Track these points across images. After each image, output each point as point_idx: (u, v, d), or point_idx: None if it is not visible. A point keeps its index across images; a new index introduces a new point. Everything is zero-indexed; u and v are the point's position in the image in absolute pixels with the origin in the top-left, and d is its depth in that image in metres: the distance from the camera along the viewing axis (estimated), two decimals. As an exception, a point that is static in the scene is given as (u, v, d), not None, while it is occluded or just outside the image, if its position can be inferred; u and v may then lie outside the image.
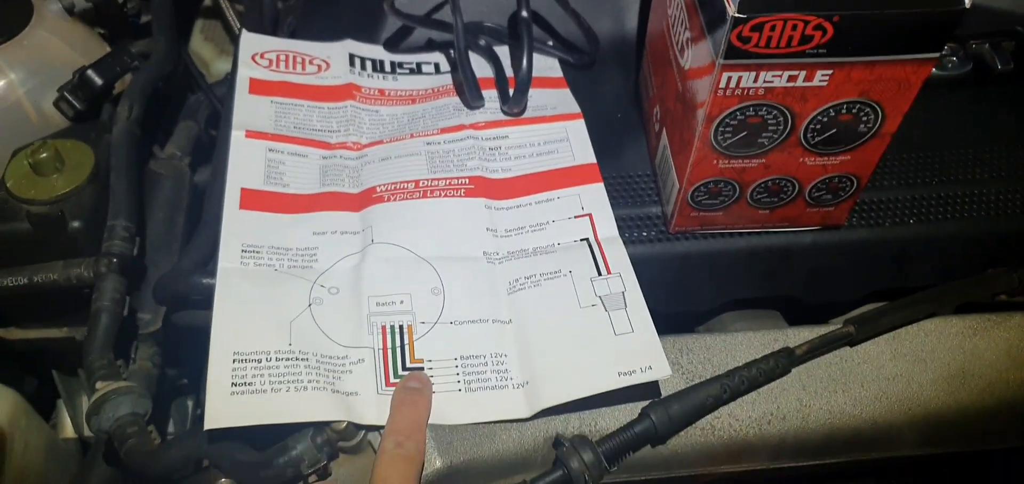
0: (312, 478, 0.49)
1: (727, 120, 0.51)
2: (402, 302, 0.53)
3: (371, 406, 0.48)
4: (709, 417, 0.53)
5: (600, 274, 0.56)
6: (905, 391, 0.55)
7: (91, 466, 0.58)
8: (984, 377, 0.55)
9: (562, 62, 0.75)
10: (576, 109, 0.70)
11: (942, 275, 0.61)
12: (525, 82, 0.68)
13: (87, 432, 0.60)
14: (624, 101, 0.73)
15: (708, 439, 0.53)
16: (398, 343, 0.51)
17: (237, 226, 0.58)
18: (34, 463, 0.64)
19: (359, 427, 0.48)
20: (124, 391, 0.52)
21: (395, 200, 0.61)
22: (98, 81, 0.69)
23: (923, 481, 0.60)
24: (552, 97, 0.72)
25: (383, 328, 0.52)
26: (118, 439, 0.49)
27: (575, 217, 0.61)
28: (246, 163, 0.62)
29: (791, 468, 0.55)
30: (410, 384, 0.49)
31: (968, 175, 0.65)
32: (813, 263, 0.62)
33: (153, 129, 0.73)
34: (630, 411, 0.52)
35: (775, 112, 0.50)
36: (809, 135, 0.52)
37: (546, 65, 0.74)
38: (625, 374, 0.49)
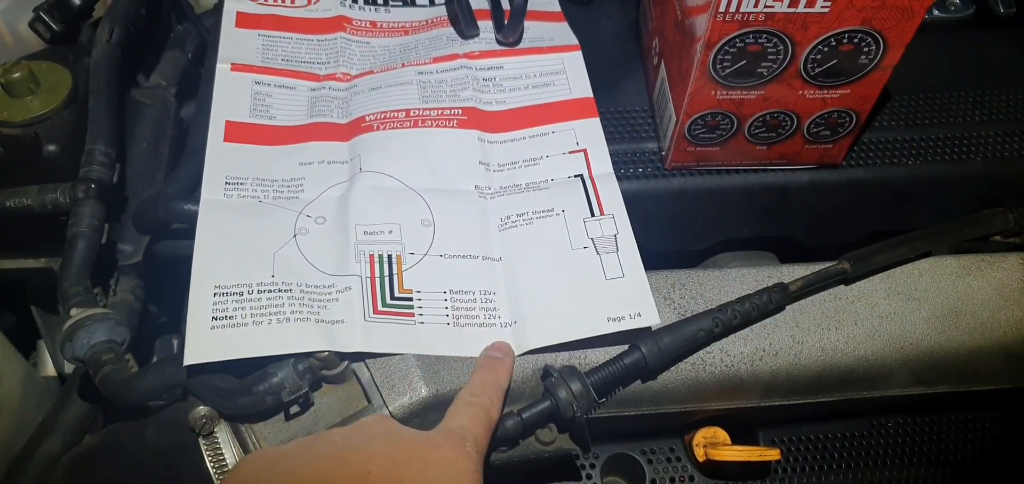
0: (294, 408, 0.48)
1: (726, 47, 0.49)
2: (391, 232, 0.52)
3: (358, 334, 0.47)
4: (700, 353, 0.52)
5: (593, 214, 0.54)
6: (898, 329, 0.54)
7: (65, 401, 0.57)
8: (976, 317, 0.55)
9: (559, -6, 0.73)
10: (573, 41, 0.68)
11: (940, 216, 0.60)
12: (521, 9, 0.66)
13: (67, 369, 0.59)
14: (623, 36, 0.71)
15: (699, 375, 0.52)
16: (387, 272, 0.50)
17: (221, 158, 0.56)
18: (9, 397, 0.62)
19: (343, 356, 0.47)
20: (100, 318, 0.50)
21: (385, 129, 0.59)
22: (76, 1, 0.66)
23: (914, 420, 0.59)
24: (549, 29, 0.70)
25: (371, 257, 0.51)
26: (93, 366, 0.48)
27: (569, 152, 0.60)
28: (231, 96, 0.61)
29: (782, 406, 0.55)
30: (492, 352, 0.48)
31: (967, 117, 0.64)
32: (810, 202, 0.61)
33: (136, 57, 0.70)
34: (620, 344, 0.51)
35: (775, 40, 0.49)
36: (809, 66, 0.51)
37: (544, -2, 0.73)
38: (614, 320, 0.49)
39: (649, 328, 0.50)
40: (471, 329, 0.49)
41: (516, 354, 0.49)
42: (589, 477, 0.58)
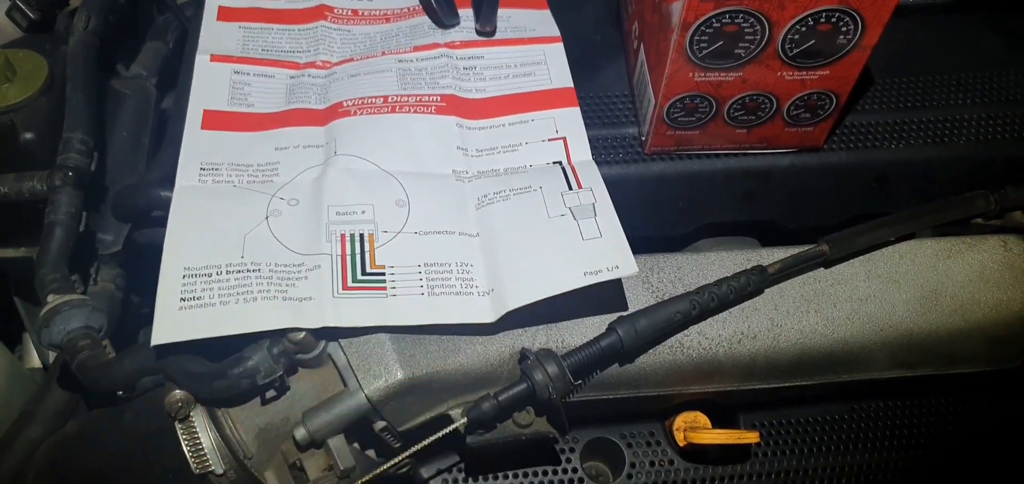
0: (270, 392, 0.48)
1: (703, 28, 0.49)
2: (363, 212, 0.52)
3: (327, 309, 0.47)
4: (678, 336, 0.52)
5: (571, 189, 0.54)
6: (878, 312, 0.54)
7: (46, 389, 0.57)
8: (956, 298, 0.55)
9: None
10: (555, 32, 0.68)
11: (922, 200, 0.60)
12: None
13: (51, 361, 0.59)
14: (605, 22, 0.71)
15: (677, 357, 0.52)
16: (358, 249, 0.50)
17: (197, 145, 0.56)
18: (-7, 385, 0.62)
19: (319, 336, 0.47)
20: (77, 304, 0.50)
21: (362, 114, 0.59)
22: (52, -11, 0.66)
23: (893, 403, 0.59)
24: (531, 18, 0.69)
25: (342, 236, 0.50)
26: (69, 352, 0.48)
27: (549, 139, 0.59)
28: (210, 85, 0.61)
29: (761, 389, 0.55)
30: None
31: (950, 100, 0.63)
32: (791, 186, 0.61)
33: (115, 46, 0.70)
34: (598, 328, 0.51)
35: (752, 19, 0.49)
36: (787, 46, 0.50)
37: (526, -15, 0.72)
38: (591, 273, 0.48)
39: (626, 301, 0.50)
40: (446, 297, 0.49)
41: (494, 318, 0.48)
42: (569, 460, 0.58)
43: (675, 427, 0.57)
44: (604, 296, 0.52)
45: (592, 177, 0.55)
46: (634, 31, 0.62)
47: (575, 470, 0.57)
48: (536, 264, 0.49)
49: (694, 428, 0.55)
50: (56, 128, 0.58)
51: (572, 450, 0.58)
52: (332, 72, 0.64)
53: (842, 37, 0.50)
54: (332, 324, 0.46)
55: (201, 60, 0.62)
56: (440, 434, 0.48)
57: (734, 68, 0.52)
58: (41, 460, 0.53)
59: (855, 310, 0.54)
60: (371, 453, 0.52)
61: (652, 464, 0.57)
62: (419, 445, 0.48)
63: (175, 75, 0.72)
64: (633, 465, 0.57)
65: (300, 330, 0.46)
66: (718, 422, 0.56)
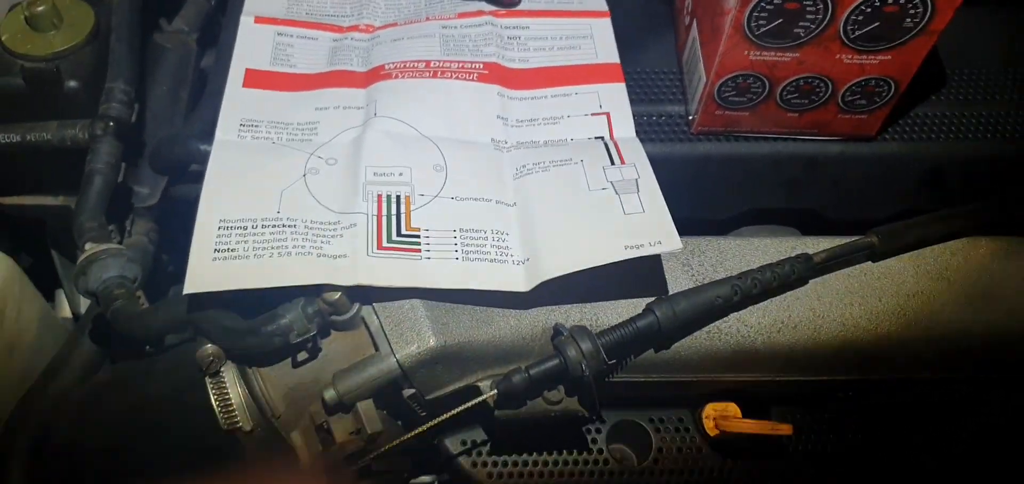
0: (302, 354, 0.48)
1: (763, 4, 0.47)
2: (401, 174, 0.51)
3: (360, 267, 0.46)
4: (716, 321, 0.51)
5: (613, 163, 0.53)
6: (925, 310, 0.52)
7: (78, 338, 0.57)
8: (1008, 301, 0.52)
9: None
10: (603, 7, 0.66)
11: (976, 198, 0.58)
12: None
13: (82, 310, 0.59)
14: (656, -2, 0.69)
15: (713, 343, 0.51)
16: (394, 210, 0.49)
17: (238, 102, 0.56)
18: (26, 332, 0.63)
19: (353, 298, 0.47)
20: (114, 253, 0.50)
21: (403, 78, 0.58)
22: (100, -61, 0.65)
23: (937, 406, 0.57)
24: (579, -10, 0.68)
25: (379, 196, 0.50)
26: (104, 300, 0.48)
27: (591, 114, 0.58)
28: (253, 46, 0.61)
29: (798, 382, 0.53)
30: None
31: (1012, 96, 0.61)
32: (840, 175, 0.59)
33: (160, 1, 0.70)
34: (635, 309, 0.50)
35: (814, -2, 0.47)
36: (849, 27, 0.48)
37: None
38: (632, 247, 0.47)
39: (666, 283, 0.49)
40: (481, 264, 0.48)
41: (528, 288, 0.47)
42: (594, 442, 0.57)
43: (705, 415, 0.55)
44: (642, 277, 0.50)
45: (636, 153, 0.54)
46: (686, 6, 0.60)
47: (601, 451, 0.56)
48: (574, 235, 0.48)
49: (725, 417, 0.54)
50: (100, 76, 0.58)
51: (598, 431, 0.57)
52: (375, 36, 0.63)
53: (909, 20, 0.48)
54: (365, 282, 0.46)
55: (245, 21, 0.63)
56: (468, 405, 0.47)
57: (791, 48, 0.50)
58: (72, 409, 0.53)
59: (901, 306, 0.52)
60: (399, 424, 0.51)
61: (680, 450, 0.56)
62: (447, 414, 0.47)
63: (217, 32, 0.72)
64: (660, 450, 0.56)
65: (335, 289, 0.46)
66: (749, 414, 0.55)
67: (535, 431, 0.51)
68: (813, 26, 0.48)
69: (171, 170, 0.57)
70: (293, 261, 0.46)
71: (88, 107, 0.57)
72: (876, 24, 0.48)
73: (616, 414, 0.58)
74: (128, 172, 0.58)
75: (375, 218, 0.49)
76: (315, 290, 0.46)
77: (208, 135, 0.55)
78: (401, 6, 0.67)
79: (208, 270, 0.45)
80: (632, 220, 0.49)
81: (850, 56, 0.50)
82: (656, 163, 0.54)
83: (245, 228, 0.47)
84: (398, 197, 0.50)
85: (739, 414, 0.55)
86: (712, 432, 0.55)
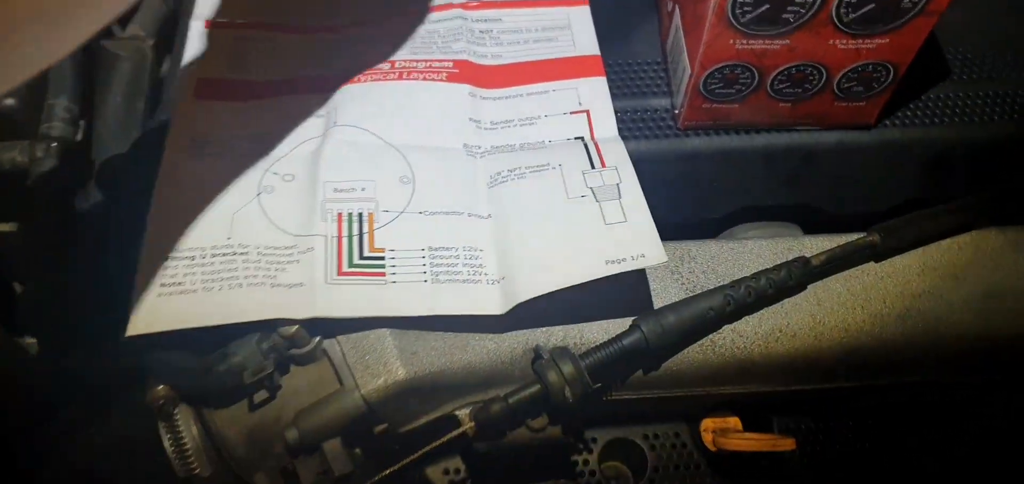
0: (261, 394, 0.44)
1: (747, -11, 0.43)
2: (363, 189, 0.47)
3: (319, 298, 0.43)
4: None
5: (594, 168, 0.49)
6: (933, 311, 0.48)
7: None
8: (1023, 298, 0.49)
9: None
10: None
11: (983, 185, 0.54)
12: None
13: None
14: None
15: (707, 356, 0.47)
16: (355, 231, 0.45)
17: (189, 116, 0.52)
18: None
19: (312, 332, 0.43)
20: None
21: (366, 81, 0.54)
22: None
23: (945, 410, 0.54)
24: (554, -23, 0.64)
25: (339, 215, 0.46)
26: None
27: (570, 112, 0.54)
28: (205, 52, 0.56)
29: (799, 391, 0.50)
30: None
31: (1016, 74, 0.57)
32: (838, 167, 0.55)
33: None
34: (621, 325, 0.46)
35: (804, -20, 0.43)
36: (843, 10, 0.44)
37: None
38: (614, 262, 0.43)
39: (652, 306, 0.45)
40: (452, 285, 0.44)
41: (504, 310, 0.44)
42: (586, 462, 0.53)
43: (703, 429, 0.52)
44: (628, 290, 0.47)
45: (618, 155, 0.50)
46: (667, -8, 0.56)
47: (594, 473, 0.53)
48: (553, 251, 0.45)
49: (724, 432, 0.50)
50: (40, 93, 0.54)
51: (590, 450, 0.54)
52: (339, 36, 0.59)
53: (907, 0, 0.44)
54: (323, 314, 0.42)
55: (194, 26, 0.58)
56: (445, 439, 0.44)
57: (781, 35, 0.46)
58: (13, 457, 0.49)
59: (908, 307, 0.49)
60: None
61: (677, 468, 0.53)
62: (423, 450, 0.44)
63: (174, 36, 0.68)
64: (656, 469, 0.53)
65: (291, 323, 0.42)
66: (751, 424, 0.51)
67: (519, 460, 0.47)
68: (803, 10, 0.44)
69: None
70: (244, 294, 0.42)
71: (28, 127, 0.53)
72: (872, 6, 0.44)
73: (609, 431, 0.54)
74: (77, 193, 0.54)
75: (335, 240, 0.45)
76: (270, 323, 0.42)
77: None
78: (367, 4, 0.62)
79: (154, 308, 0.41)
80: (613, 231, 0.45)
81: (844, 41, 0.46)
82: (642, 161, 0.51)
83: (193, 258, 0.43)
84: (360, 215, 0.46)
85: (739, 426, 0.51)
86: (711, 447, 0.51)
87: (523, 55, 0.58)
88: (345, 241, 0.45)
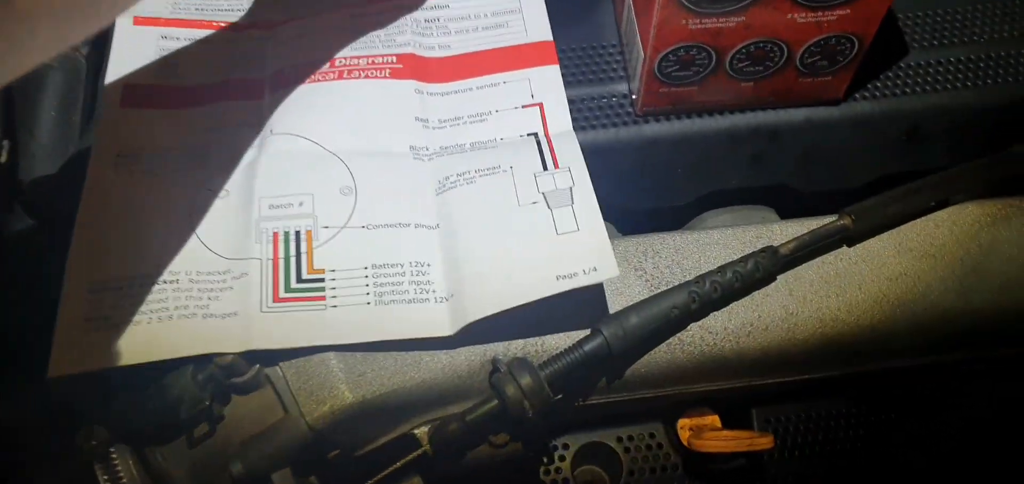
0: (202, 427, 0.41)
1: (697, -35, 0.40)
2: (301, 204, 0.44)
3: (253, 328, 0.40)
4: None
5: (546, 169, 0.46)
6: (910, 292, 0.46)
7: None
8: (1003, 273, 0.47)
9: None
10: None
11: (959, 156, 0.52)
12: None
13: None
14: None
15: (675, 355, 0.45)
16: (293, 251, 0.43)
17: (115, 127, 0.49)
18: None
19: (252, 359, 0.40)
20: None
21: (305, 83, 0.51)
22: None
23: (926, 393, 0.52)
24: (504, -42, 0.60)
25: (275, 234, 0.43)
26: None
27: (523, 106, 0.51)
28: (132, 54, 0.52)
29: (775, 384, 0.48)
30: None
31: (993, 33, 0.54)
32: (807, 145, 0.53)
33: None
34: (582, 330, 0.44)
35: (757, -48, 0.40)
36: (800, -18, 0.42)
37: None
38: (565, 277, 0.41)
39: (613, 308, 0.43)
40: (398, 306, 0.42)
41: (453, 331, 0.41)
42: (558, 470, 0.51)
43: (680, 427, 0.50)
44: (586, 296, 0.44)
45: (571, 153, 0.47)
46: (621, -30, 0.53)
47: (566, 481, 0.51)
48: (503, 266, 0.42)
49: (699, 432, 0.48)
50: (-42, 116, 0.50)
51: (561, 457, 0.51)
52: (274, 33, 0.55)
53: (868, -33, 0.41)
54: (259, 346, 0.39)
55: (122, 24, 0.54)
56: (402, 462, 0.42)
57: (735, 12, 0.43)
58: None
59: (884, 292, 0.46)
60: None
61: (652, 471, 0.50)
62: (380, 476, 0.42)
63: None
64: (631, 473, 0.50)
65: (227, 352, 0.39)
66: (729, 419, 0.49)
67: (483, 478, 0.45)
68: (760, -16, 0.42)
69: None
70: (175, 326, 0.39)
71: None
72: (832, -25, 0.41)
73: (582, 435, 0.52)
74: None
75: (271, 263, 0.42)
76: (204, 356, 0.39)
77: None
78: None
79: (78, 347, 0.39)
80: (565, 242, 0.42)
81: (803, 14, 0.44)
82: (601, 150, 0.48)
83: (120, 289, 0.41)
84: (297, 233, 0.43)
85: (718, 422, 0.49)
86: (689, 446, 0.49)
87: (472, 44, 0.55)
88: (281, 263, 0.42)
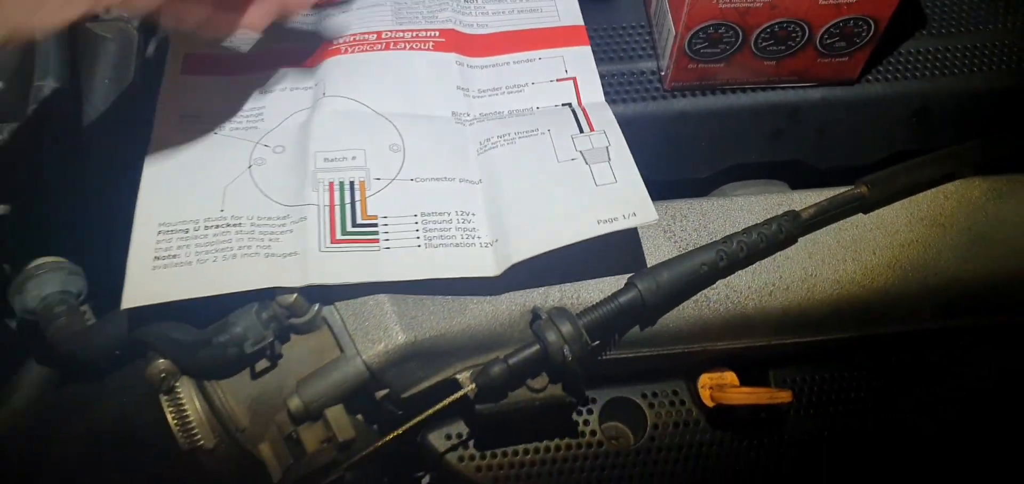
0: (262, 362, 0.44)
1: (730, -55, 0.44)
2: (354, 158, 0.47)
3: (312, 265, 0.43)
4: (703, 289, 0.48)
5: (582, 132, 0.49)
6: (921, 258, 0.50)
7: (26, 358, 0.53)
8: (1008, 242, 0.50)
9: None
10: None
11: (967, 135, 0.55)
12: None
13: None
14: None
15: (702, 312, 0.48)
16: (348, 199, 0.46)
17: (177, 92, 0.52)
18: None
19: (311, 300, 0.43)
20: (53, 267, 0.47)
21: (353, 52, 0.54)
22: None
23: (936, 356, 0.55)
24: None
25: (331, 184, 0.46)
26: (45, 320, 0.44)
27: (557, 80, 0.54)
28: None
29: (794, 344, 0.51)
30: None
31: (1000, 23, 0.58)
32: (824, 122, 0.56)
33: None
34: (616, 284, 0.47)
35: (787, -66, 0.43)
36: (825, -36, 0.45)
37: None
38: (606, 221, 0.44)
39: (645, 265, 0.46)
40: (446, 249, 0.45)
41: (498, 272, 0.44)
42: (586, 423, 0.54)
43: (701, 385, 0.53)
44: (622, 249, 0.47)
45: (605, 119, 0.50)
46: (651, -45, 0.56)
47: (594, 433, 0.54)
48: (544, 212, 0.45)
49: (721, 387, 0.51)
50: (26, 74, 0.53)
51: (590, 411, 0.54)
52: (324, 9, 0.59)
53: (887, -48, 0.44)
54: (318, 281, 0.42)
55: None
56: (447, 402, 0.44)
57: (764, -9, 0.46)
58: (23, 433, 0.49)
59: (896, 257, 0.50)
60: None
61: (676, 425, 0.53)
62: (425, 414, 0.44)
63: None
64: (656, 426, 0.53)
65: (290, 291, 0.42)
66: (747, 379, 0.52)
67: (521, 421, 0.48)
68: (788, -35, 0.45)
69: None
70: (239, 264, 0.42)
71: (16, 109, 0.53)
72: (854, -42, 0.45)
73: (608, 391, 0.55)
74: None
75: (327, 209, 0.45)
76: (269, 292, 0.42)
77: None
78: None
79: (148, 280, 0.41)
80: (604, 191, 0.46)
81: (827, -5, 0.47)
82: (630, 123, 0.51)
83: (187, 231, 0.43)
84: (352, 183, 0.46)
85: (736, 381, 0.52)
86: (709, 403, 0.52)
87: (508, 24, 0.58)
88: (337, 209, 0.45)
